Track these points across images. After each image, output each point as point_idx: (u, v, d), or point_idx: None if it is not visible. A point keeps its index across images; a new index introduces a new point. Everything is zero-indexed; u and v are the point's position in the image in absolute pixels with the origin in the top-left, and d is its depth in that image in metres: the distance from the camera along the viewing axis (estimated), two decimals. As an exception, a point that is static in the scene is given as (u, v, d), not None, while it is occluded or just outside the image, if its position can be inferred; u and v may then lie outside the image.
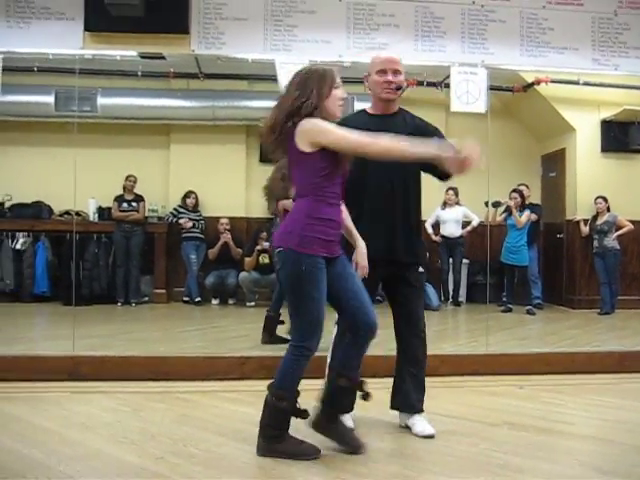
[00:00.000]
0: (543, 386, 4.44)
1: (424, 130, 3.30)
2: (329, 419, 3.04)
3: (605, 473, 2.80)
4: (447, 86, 8.07)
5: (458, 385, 4.46)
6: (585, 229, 8.67)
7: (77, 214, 8.57)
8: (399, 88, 3.37)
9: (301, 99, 2.94)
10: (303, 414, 2.97)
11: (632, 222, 8.40)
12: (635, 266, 8.99)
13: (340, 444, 2.99)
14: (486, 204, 7.76)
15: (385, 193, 3.27)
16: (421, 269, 3.52)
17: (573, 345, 5.49)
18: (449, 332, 6.56)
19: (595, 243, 8.42)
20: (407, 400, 3.35)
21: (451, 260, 8.97)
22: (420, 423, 3.28)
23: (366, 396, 3.09)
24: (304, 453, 2.91)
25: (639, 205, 8.74)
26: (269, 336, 5.53)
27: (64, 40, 6.89)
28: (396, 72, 3.40)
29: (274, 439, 2.95)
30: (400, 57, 3.87)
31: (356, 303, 2.94)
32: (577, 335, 6.20)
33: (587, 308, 8.47)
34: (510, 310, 8.23)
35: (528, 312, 8.04)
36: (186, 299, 8.84)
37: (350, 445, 2.99)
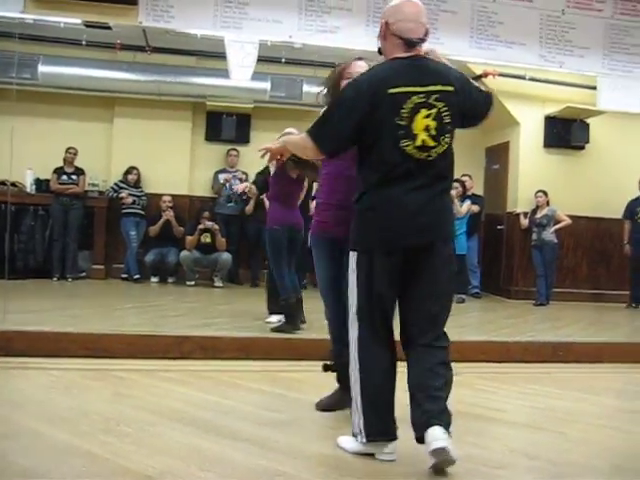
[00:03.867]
0: (479, 374, 4.51)
1: None
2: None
3: (534, 459, 2.87)
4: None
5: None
6: (525, 222, 8.86)
7: (13, 185, 8.29)
8: None
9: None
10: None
11: (570, 217, 8.62)
12: (571, 260, 9.25)
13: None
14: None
15: None
16: None
17: (509, 335, 5.60)
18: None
19: (534, 236, 8.61)
20: None
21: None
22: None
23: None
24: None
25: (578, 200, 8.98)
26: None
27: (4, 2, 6.63)
28: None
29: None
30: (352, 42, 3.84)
31: None
32: (513, 325, 6.34)
33: (523, 299, 8.68)
34: None
35: (456, 301, 8.09)
36: (124, 276, 8.69)
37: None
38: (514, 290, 9.03)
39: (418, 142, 2.68)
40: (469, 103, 2.81)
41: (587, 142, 9.17)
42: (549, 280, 8.50)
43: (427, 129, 2.68)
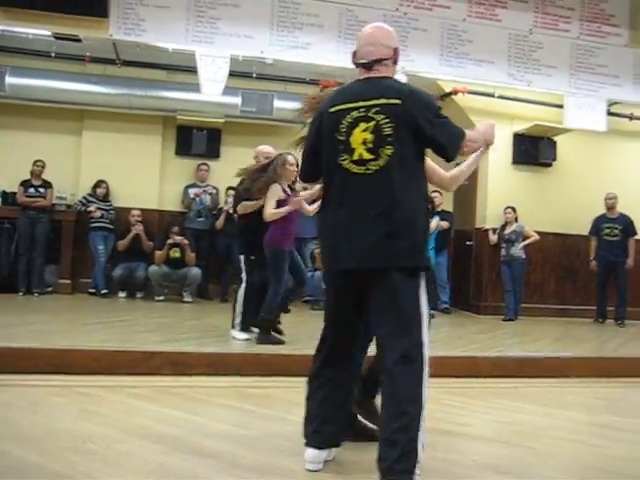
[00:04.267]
0: (447, 389, 4.52)
1: None
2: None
3: (500, 473, 2.88)
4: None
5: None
6: (494, 237, 8.95)
7: (-21, 197, 8.18)
8: None
9: None
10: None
11: (538, 233, 8.73)
12: (539, 275, 9.35)
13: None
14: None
15: None
16: None
17: (478, 350, 5.64)
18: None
19: (502, 252, 8.70)
20: None
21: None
22: None
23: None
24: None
25: (545, 217, 9.11)
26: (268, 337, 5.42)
27: (-28, 13, 6.58)
28: None
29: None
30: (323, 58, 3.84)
31: None
32: (482, 340, 6.38)
33: (492, 314, 8.75)
34: None
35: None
36: (92, 291, 8.57)
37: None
38: (483, 305, 9.10)
39: (355, 156, 2.66)
40: (422, 122, 2.64)
41: (554, 159, 9.32)
42: (517, 295, 8.59)
43: (364, 142, 2.65)
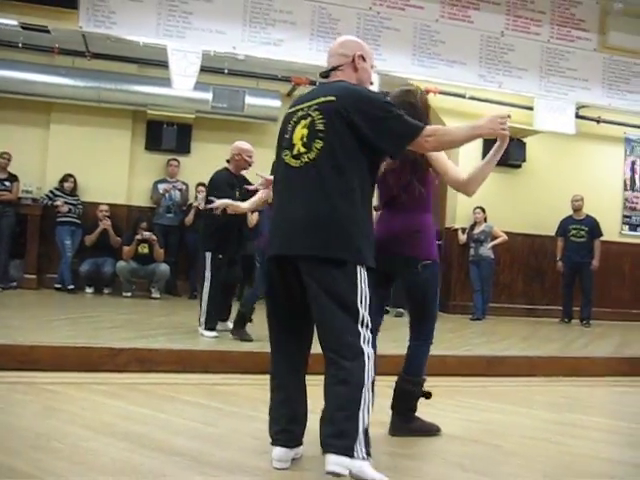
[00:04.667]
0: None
1: None
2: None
3: (467, 471, 2.90)
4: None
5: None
6: (462, 237, 9.02)
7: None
8: None
9: None
10: (428, 395, 3.41)
11: (507, 233, 8.82)
12: (507, 275, 9.46)
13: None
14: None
15: None
16: None
17: (446, 348, 5.66)
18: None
19: (471, 251, 8.77)
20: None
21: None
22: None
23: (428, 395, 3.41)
24: (431, 429, 3.42)
25: (514, 217, 9.21)
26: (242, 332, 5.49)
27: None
28: None
29: (411, 419, 3.39)
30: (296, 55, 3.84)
31: None
32: (450, 339, 6.42)
33: (460, 313, 8.82)
34: (387, 312, 8.36)
35: (395, 315, 8.13)
36: (58, 286, 8.45)
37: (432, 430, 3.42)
38: (451, 304, 9.17)
39: (295, 151, 2.77)
40: (356, 116, 2.67)
41: (524, 161, 9.42)
42: (485, 295, 8.67)
43: (302, 138, 2.75)
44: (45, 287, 8.53)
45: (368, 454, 2.51)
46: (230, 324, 5.74)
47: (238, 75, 8.80)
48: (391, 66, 7.83)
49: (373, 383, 2.63)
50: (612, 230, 9.70)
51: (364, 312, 2.63)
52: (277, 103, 9.17)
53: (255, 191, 4.81)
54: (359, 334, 2.60)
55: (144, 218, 8.70)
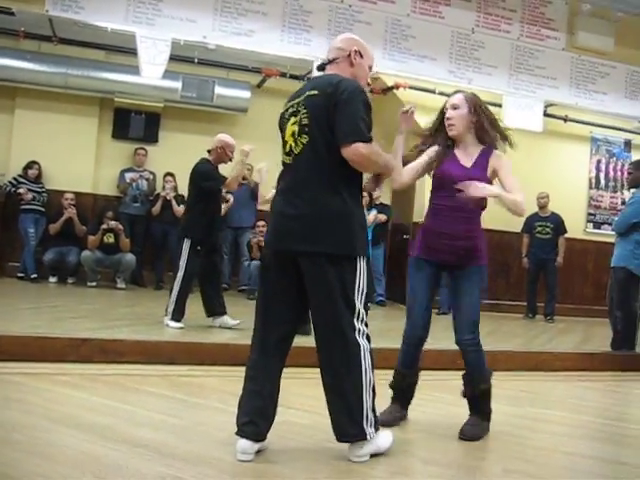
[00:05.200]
0: (379, 381, 4.54)
1: None
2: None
3: (430, 463, 2.93)
4: (310, 80, 8.15)
5: (308, 377, 4.48)
6: (430, 232, 9.06)
7: None
8: None
9: None
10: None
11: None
12: (472, 271, 9.52)
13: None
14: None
15: None
16: None
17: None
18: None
19: (438, 246, 8.81)
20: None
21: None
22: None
23: None
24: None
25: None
26: None
27: None
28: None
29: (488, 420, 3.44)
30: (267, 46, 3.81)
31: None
32: (415, 333, 6.45)
33: (426, 308, 8.85)
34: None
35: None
36: (21, 275, 8.31)
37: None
38: (418, 299, 9.20)
39: (287, 148, 2.86)
40: (329, 105, 2.72)
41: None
42: (451, 290, 8.73)
43: (293, 134, 2.82)
44: (7, 276, 8.38)
45: (377, 429, 2.82)
46: (229, 319, 5.72)
47: (208, 65, 8.73)
48: (362, 60, 7.83)
49: (373, 369, 2.85)
50: (576, 228, 9.84)
51: (360, 306, 2.78)
52: (247, 94, 9.12)
53: None
54: (354, 327, 2.76)
55: (110, 207, 8.60)
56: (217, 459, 2.74)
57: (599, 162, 10.47)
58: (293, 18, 7.76)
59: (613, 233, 6.62)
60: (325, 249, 2.71)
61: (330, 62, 2.95)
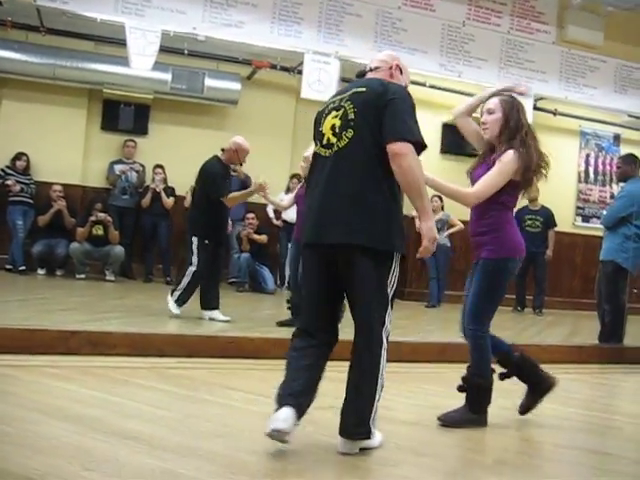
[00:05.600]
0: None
1: None
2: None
3: (419, 455, 2.94)
4: (300, 72, 8.13)
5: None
6: (419, 225, 9.08)
7: None
8: None
9: None
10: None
11: (463, 222, 8.89)
12: (462, 263, 9.51)
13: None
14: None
15: None
16: None
17: (401, 335, 5.71)
18: (282, 316, 6.61)
19: (427, 239, 8.82)
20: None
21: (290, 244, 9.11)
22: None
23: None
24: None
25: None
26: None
27: None
28: None
29: (482, 413, 3.45)
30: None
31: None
32: (405, 325, 6.48)
33: (416, 300, 8.89)
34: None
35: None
36: (9, 267, 8.26)
37: None
38: (407, 292, 9.24)
39: (324, 141, 2.85)
40: (383, 111, 2.76)
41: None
42: (441, 283, 8.77)
43: (333, 128, 2.82)
44: (-5, 268, 8.34)
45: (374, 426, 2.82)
46: (220, 314, 5.72)
47: (198, 56, 8.68)
48: (352, 52, 7.81)
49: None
50: (565, 221, 9.89)
51: (390, 302, 2.89)
52: (237, 86, 9.08)
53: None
54: (383, 322, 2.83)
55: (99, 199, 8.56)
56: (206, 451, 2.74)
57: (588, 156, 10.51)
58: (284, 10, 7.74)
59: (602, 227, 6.65)
60: (366, 243, 2.75)
61: (371, 70, 3.03)
